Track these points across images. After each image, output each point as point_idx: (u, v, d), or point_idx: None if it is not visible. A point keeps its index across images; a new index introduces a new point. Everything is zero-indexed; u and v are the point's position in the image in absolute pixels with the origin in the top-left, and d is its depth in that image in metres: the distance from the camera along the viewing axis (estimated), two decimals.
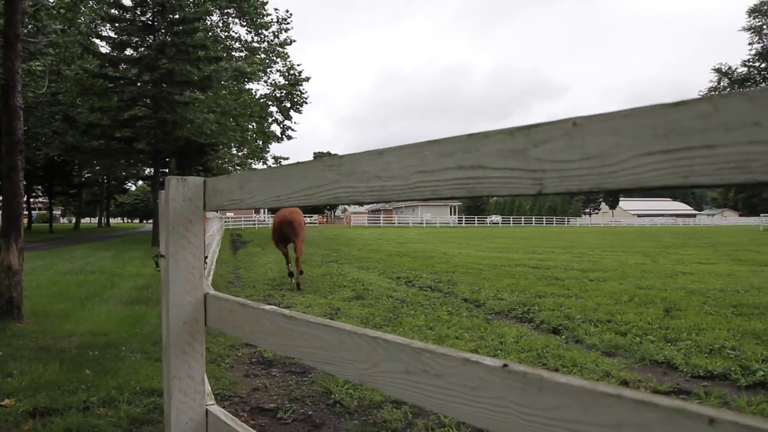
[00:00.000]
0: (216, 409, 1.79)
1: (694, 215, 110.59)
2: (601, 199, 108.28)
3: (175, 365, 1.75)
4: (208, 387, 2.17)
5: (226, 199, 1.67)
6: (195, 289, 1.78)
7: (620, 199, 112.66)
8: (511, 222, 77.47)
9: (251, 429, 1.64)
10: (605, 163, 0.73)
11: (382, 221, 66.16)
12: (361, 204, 1.21)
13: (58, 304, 7.94)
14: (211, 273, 10.43)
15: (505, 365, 0.85)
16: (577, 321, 6.69)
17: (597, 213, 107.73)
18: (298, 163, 1.36)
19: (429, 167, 0.97)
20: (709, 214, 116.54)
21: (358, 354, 1.12)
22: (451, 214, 79.77)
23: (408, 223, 65.64)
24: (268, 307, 1.46)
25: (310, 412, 4.00)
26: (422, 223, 65.80)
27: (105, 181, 57.12)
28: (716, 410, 0.64)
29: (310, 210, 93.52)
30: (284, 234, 10.59)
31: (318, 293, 9.41)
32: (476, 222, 74.35)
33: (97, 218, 73.29)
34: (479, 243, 25.57)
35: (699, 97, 0.67)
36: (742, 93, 0.62)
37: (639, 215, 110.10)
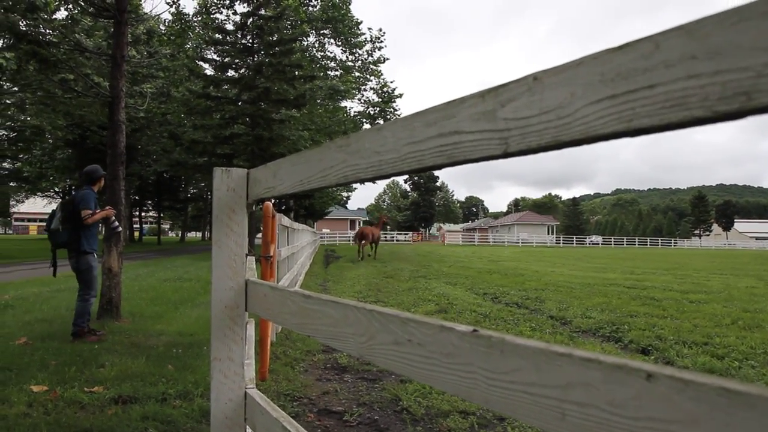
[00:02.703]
0: (254, 393, 1.85)
1: None
2: (713, 220, 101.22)
3: (216, 347, 1.84)
4: (250, 371, 2.25)
5: (263, 187, 1.75)
6: (237, 276, 1.87)
7: (735, 220, 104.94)
8: (613, 243, 74.07)
9: (286, 415, 1.69)
10: (561, 115, 0.72)
11: (476, 240, 65.50)
12: (362, 181, 1.24)
13: (154, 307, 8.50)
14: (298, 284, 10.76)
15: (475, 330, 0.85)
16: (670, 342, 6.33)
17: (708, 235, 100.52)
18: (316, 146, 1.41)
19: (417, 137, 0.99)
20: None
21: (358, 327, 1.14)
22: (548, 234, 77.66)
23: (503, 242, 64.53)
24: (292, 289, 1.51)
25: (376, 417, 4.02)
26: (518, 243, 64.48)
27: (209, 196, 60.53)
28: (655, 366, 0.62)
29: (406, 227, 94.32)
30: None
31: (401, 306, 9.47)
32: (575, 242, 71.78)
33: (201, 232, 77.52)
34: (575, 263, 24.71)
35: (641, 37, 0.64)
36: (680, 27, 0.60)
37: (757, 238, 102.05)
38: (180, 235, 67.80)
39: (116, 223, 6.35)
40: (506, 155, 0.81)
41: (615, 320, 7.78)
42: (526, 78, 0.78)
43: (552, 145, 0.74)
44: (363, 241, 25.21)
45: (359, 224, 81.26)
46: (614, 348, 6.28)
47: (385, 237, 61.93)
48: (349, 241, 55.42)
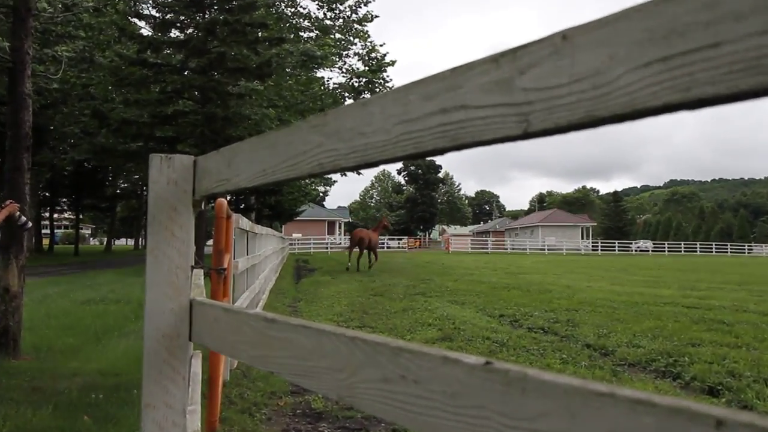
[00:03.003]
0: None
1: None
2: None
3: (150, 390, 1.83)
4: (195, 422, 2.24)
5: (215, 180, 1.75)
6: (179, 295, 1.86)
7: None
8: (666, 249, 74.54)
9: None
10: (597, 83, 0.72)
11: (490, 246, 65.77)
12: (343, 171, 1.24)
13: (67, 338, 8.46)
14: (260, 304, 10.75)
15: (488, 362, 0.85)
16: (746, 379, 6.38)
17: None
18: (285, 127, 1.41)
19: (413, 114, 0.99)
20: None
21: (337, 360, 1.14)
22: (583, 238, 78.09)
23: (525, 250, 64.83)
24: (252, 311, 1.51)
25: None
26: (543, 249, 64.76)
27: (144, 192, 60.22)
28: (727, 410, 0.62)
29: (400, 231, 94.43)
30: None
31: (393, 332, 9.52)
32: (617, 248, 72.13)
33: (134, 239, 77.17)
34: (617, 275, 24.86)
35: None
36: None
37: None
38: (105, 242, 67.48)
39: (24, 218, 6.26)
40: (527, 136, 0.81)
41: (672, 350, 7.83)
42: (552, 37, 0.78)
43: (586, 122, 0.74)
44: (357, 248, 25.36)
45: (339, 227, 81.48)
46: (671, 386, 6.33)
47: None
48: (326, 248, 55.63)
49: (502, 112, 0.83)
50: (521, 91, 0.81)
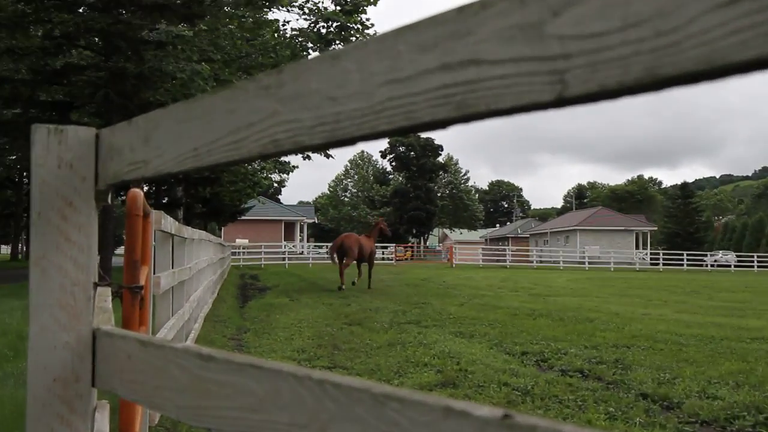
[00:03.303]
0: None
1: None
2: None
3: None
4: None
5: (126, 163, 1.74)
6: (77, 322, 1.84)
7: None
8: (756, 264, 74.65)
9: None
10: (661, 29, 0.72)
11: (509, 258, 65.77)
12: (306, 151, 1.23)
13: None
14: (192, 336, 10.72)
15: (507, 415, 0.85)
16: None
17: None
18: (224, 89, 1.40)
19: (403, 72, 0.98)
20: None
21: (298, 412, 1.14)
22: (638, 247, 78.23)
23: (557, 263, 64.85)
24: (180, 344, 1.51)
25: None
26: (583, 263, 64.81)
27: (24, 179, 59.62)
28: None
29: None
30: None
31: (376, 375, 9.51)
32: (685, 262, 72.21)
33: (10, 244, 76.47)
34: (686, 299, 24.97)
35: None
36: None
37: None
38: None
39: None
40: (562, 102, 0.81)
41: (762, 404, 7.87)
42: None
43: (644, 84, 0.74)
44: (345, 259, 25.60)
45: (301, 230, 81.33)
46: None
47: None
48: (284, 259, 55.25)
49: (528, 69, 0.83)
50: (555, 40, 0.80)
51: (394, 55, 1.00)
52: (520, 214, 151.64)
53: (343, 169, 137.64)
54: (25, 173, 57.06)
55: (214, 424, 1.36)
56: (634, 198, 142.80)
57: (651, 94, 0.75)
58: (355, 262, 26.23)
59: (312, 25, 34.77)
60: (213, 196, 45.26)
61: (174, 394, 1.49)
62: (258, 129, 1.26)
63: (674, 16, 0.71)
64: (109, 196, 2.03)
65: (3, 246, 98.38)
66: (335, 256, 26.08)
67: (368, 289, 25.68)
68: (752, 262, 73.63)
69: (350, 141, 1.10)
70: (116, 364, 1.76)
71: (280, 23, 35.02)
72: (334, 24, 34.31)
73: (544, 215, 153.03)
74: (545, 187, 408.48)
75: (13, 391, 8.00)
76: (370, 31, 34.82)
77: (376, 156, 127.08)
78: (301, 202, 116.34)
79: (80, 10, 25.61)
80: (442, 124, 0.94)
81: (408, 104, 0.98)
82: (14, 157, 50.27)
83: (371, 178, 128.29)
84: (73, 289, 1.86)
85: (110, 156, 1.83)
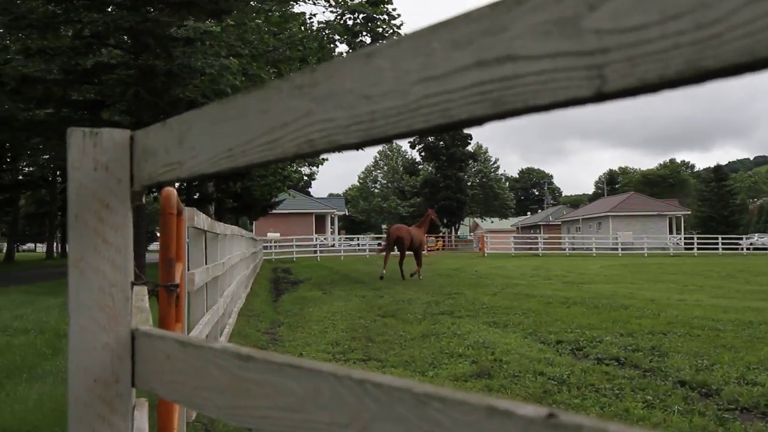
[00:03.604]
0: None
1: None
2: None
3: None
4: None
5: (161, 164, 1.74)
6: (115, 323, 1.86)
7: None
8: None
9: None
10: (702, 21, 0.71)
11: (541, 246, 65.52)
12: (342, 149, 1.23)
13: None
14: (226, 333, 10.76)
15: (552, 415, 0.85)
16: None
17: None
18: (256, 88, 1.40)
19: (437, 69, 0.98)
20: None
21: (339, 412, 1.14)
22: (672, 232, 77.66)
23: (590, 250, 64.57)
24: (218, 344, 1.51)
25: None
26: (616, 249, 64.49)
27: (59, 179, 59.89)
28: None
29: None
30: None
31: (410, 367, 9.53)
32: (720, 246, 71.60)
33: (46, 244, 76.95)
34: (722, 284, 24.77)
35: None
36: None
37: None
38: (6, 249, 67.44)
39: None
40: (601, 97, 0.81)
41: None
42: None
43: (686, 77, 0.74)
44: (395, 249, 26.11)
45: (332, 222, 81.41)
46: None
47: (380, 245, 61.79)
48: (315, 252, 55.37)
49: (565, 65, 0.83)
50: (593, 35, 0.80)
51: (428, 53, 1.00)
52: (551, 202, 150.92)
53: (373, 160, 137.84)
54: (58, 172, 57.29)
55: (254, 424, 1.37)
56: (666, 182, 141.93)
57: (692, 86, 0.74)
58: (407, 252, 26.53)
59: (338, 17, 34.73)
60: (244, 191, 45.28)
61: (214, 394, 1.50)
62: (292, 129, 1.26)
63: (715, 8, 0.70)
64: (144, 195, 2.03)
65: (38, 244, 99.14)
66: (388, 248, 26.37)
67: (410, 278, 25.85)
68: None
69: (386, 139, 1.09)
70: (155, 364, 1.77)
71: (307, 16, 34.97)
72: (360, 15, 34.25)
73: (576, 202, 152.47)
74: (576, 173, 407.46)
75: (52, 389, 8.06)
76: (396, 22, 34.76)
77: (405, 147, 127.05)
78: (331, 195, 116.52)
79: (109, 9, 25.61)
80: (478, 121, 0.94)
81: (444, 102, 0.97)
82: (47, 157, 50.62)
83: (401, 168, 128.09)
84: (111, 290, 1.87)
85: (145, 158, 1.84)
